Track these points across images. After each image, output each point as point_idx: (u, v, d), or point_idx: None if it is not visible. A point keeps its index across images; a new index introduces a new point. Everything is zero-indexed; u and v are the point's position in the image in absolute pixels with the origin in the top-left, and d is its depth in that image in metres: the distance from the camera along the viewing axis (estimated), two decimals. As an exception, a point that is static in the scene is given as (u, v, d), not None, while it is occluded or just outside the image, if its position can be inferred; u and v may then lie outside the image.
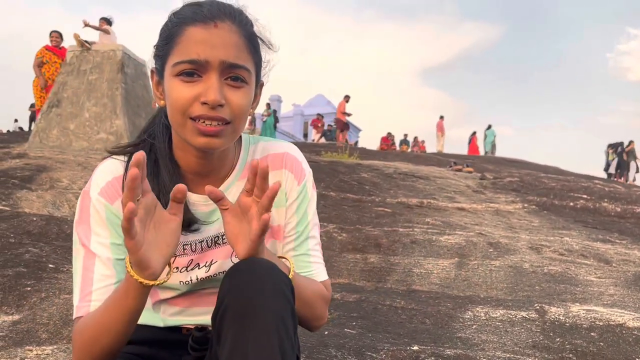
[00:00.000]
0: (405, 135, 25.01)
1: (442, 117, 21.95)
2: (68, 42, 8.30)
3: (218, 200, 0.91)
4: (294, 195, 1.09)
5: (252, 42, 0.98)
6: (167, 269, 0.89)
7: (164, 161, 1.03)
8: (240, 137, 1.13)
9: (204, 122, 0.92)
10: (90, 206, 1.00)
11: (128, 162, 1.03)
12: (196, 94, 0.92)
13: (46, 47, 8.46)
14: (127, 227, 0.76)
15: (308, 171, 1.13)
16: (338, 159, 8.96)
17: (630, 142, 18.71)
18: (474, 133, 23.09)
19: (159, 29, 1.00)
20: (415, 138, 25.68)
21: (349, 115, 17.42)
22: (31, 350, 1.84)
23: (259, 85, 1.04)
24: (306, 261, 1.09)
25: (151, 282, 0.83)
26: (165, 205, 0.95)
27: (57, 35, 8.53)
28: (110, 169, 1.03)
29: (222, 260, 1.07)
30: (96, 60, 7.65)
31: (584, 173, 12.81)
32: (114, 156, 1.05)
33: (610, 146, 20.31)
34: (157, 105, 1.07)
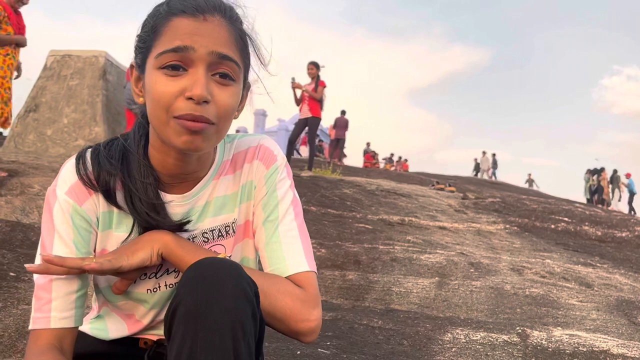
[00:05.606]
0: (392, 154, 25.38)
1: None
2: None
3: None
4: (262, 182, 1.03)
5: (241, 40, 0.92)
6: None
7: (137, 162, 0.95)
8: None
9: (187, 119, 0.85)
10: (56, 205, 0.93)
11: (92, 162, 0.96)
12: (181, 88, 0.84)
13: (3, 6, 5.80)
14: None
15: (280, 156, 1.06)
16: (321, 174, 8.88)
17: (614, 171, 19.11)
18: None
19: (142, 21, 0.93)
20: (400, 157, 26.04)
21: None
22: (-21, 365, 1.70)
23: (246, 87, 0.97)
24: (278, 249, 0.99)
25: None
26: (133, 210, 0.94)
27: None
28: None
29: None
30: (77, 66, 7.50)
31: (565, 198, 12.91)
32: None
33: (590, 172, 20.68)
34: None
